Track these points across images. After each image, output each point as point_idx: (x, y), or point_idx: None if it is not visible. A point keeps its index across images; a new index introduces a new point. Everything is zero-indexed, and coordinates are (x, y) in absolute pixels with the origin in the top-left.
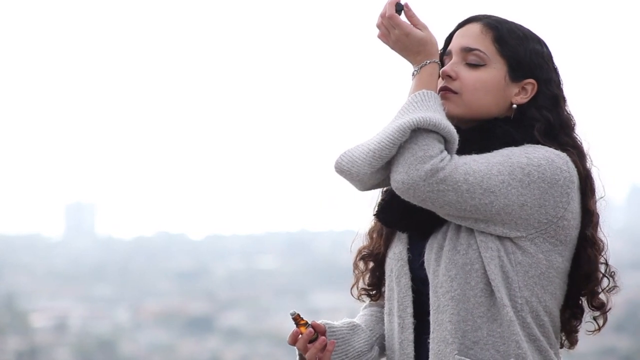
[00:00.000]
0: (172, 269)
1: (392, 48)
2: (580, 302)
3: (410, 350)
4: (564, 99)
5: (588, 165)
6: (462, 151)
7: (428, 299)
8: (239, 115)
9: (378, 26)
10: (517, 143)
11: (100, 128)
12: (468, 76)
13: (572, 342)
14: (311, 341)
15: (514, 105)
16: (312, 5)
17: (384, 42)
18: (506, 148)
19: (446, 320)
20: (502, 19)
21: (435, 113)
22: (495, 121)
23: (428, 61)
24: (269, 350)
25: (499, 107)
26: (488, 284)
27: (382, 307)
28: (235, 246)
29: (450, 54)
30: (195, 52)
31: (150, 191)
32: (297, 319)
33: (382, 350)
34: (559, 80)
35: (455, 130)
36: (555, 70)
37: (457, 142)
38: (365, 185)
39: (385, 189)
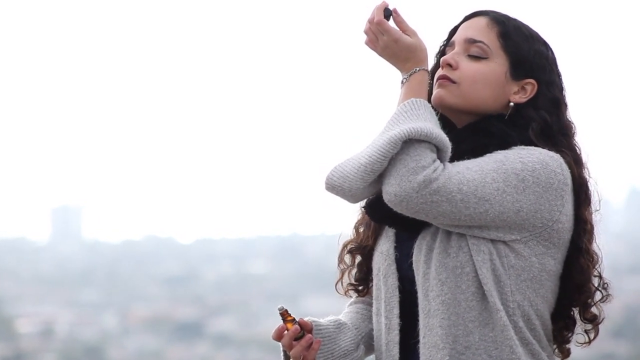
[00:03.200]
0: (161, 273)
1: (380, 55)
2: (572, 313)
3: (395, 352)
4: (565, 105)
5: (584, 173)
6: (456, 150)
7: (416, 298)
8: (230, 118)
9: (366, 32)
10: (512, 143)
11: (87, 130)
12: (468, 67)
13: (563, 352)
14: (297, 338)
15: (511, 104)
16: (310, 9)
17: (371, 48)
18: (499, 152)
19: (436, 325)
20: (510, 17)
21: (426, 122)
22: (489, 119)
23: (417, 68)
24: (259, 356)
25: (495, 103)
26: (479, 287)
27: (368, 304)
28: (225, 250)
29: (453, 44)
30: (185, 56)
31: (138, 194)
32: (284, 314)
33: (368, 348)
34: (562, 86)
35: (447, 139)
36: (558, 74)
37: (449, 150)
38: (357, 199)
39: None
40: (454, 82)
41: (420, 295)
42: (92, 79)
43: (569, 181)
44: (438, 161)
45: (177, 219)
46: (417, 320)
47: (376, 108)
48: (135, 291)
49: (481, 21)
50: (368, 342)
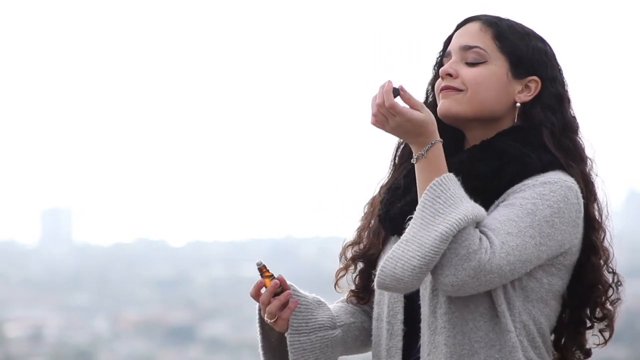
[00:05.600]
0: (152, 276)
1: (390, 132)
2: (582, 314)
3: (398, 358)
4: (568, 100)
5: (588, 171)
6: (472, 170)
7: (418, 306)
8: (223, 120)
9: (375, 114)
10: (532, 165)
11: (78, 132)
12: (468, 73)
13: (585, 353)
14: (275, 295)
15: (518, 104)
16: (312, 10)
17: (379, 127)
18: (525, 197)
19: (442, 342)
20: (503, 17)
21: (463, 202)
22: (503, 137)
23: (433, 142)
24: None
25: (501, 105)
26: (488, 308)
27: (357, 305)
28: (217, 253)
29: (449, 54)
30: (177, 59)
31: (129, 196)
32: (262, 269)
33: (345, 342)
34: (564, 81)
35: (484, 210)
36: (559, 69)
37: (485, 216)
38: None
39: (384, 188)
40: (458, 90)
41: (425, 310)
42: (82, 81)
43: (583, 206)
44: (484, 238)
45: (168, 222)
46: (417, 329)
47: (369, 110)
48: (126, 295)
49: (474, 26)
50: (346, 333)
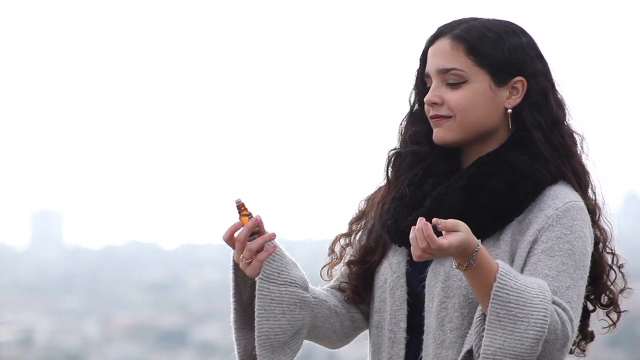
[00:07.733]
0: (144, 280)
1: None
2: (587, 303)
3: None
4: (552, 88)
5: (579, 155)
6: (485, 185)
7: (420, 315)
8: (216, 122)
9: (421, 257)
10: (544, 180)
11: (68, 134)
12: (453, 97)
13: (587, 337)
14: (251, 236)
15: (509, 111)
16: (312, 10)
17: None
18: (559, 236)
19: (451, 357)
20: (470, 25)
21: (530, 292)
22: (510, 152)
23: (476, 249)
24: None
25: (493, 118)
26: None
27: (350, 303)
28: (210, 256)
29: (428, 76)
30: (173, 59)
31: (120, 198)
32: (240, 207)
33: (316, 312)
34: (546, 69)
35: (544, 283)
36: (539, 57)
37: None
38: None
39: (387, 197)
40: (447, 117)
41: (431, 322)
42: (74, 85)
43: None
44: (559, 310)
45: (160, 224)
46: (419, 340)
47: (366, 112)
48: (117, 298)
49: (444, 44)
50: (317, 306)
